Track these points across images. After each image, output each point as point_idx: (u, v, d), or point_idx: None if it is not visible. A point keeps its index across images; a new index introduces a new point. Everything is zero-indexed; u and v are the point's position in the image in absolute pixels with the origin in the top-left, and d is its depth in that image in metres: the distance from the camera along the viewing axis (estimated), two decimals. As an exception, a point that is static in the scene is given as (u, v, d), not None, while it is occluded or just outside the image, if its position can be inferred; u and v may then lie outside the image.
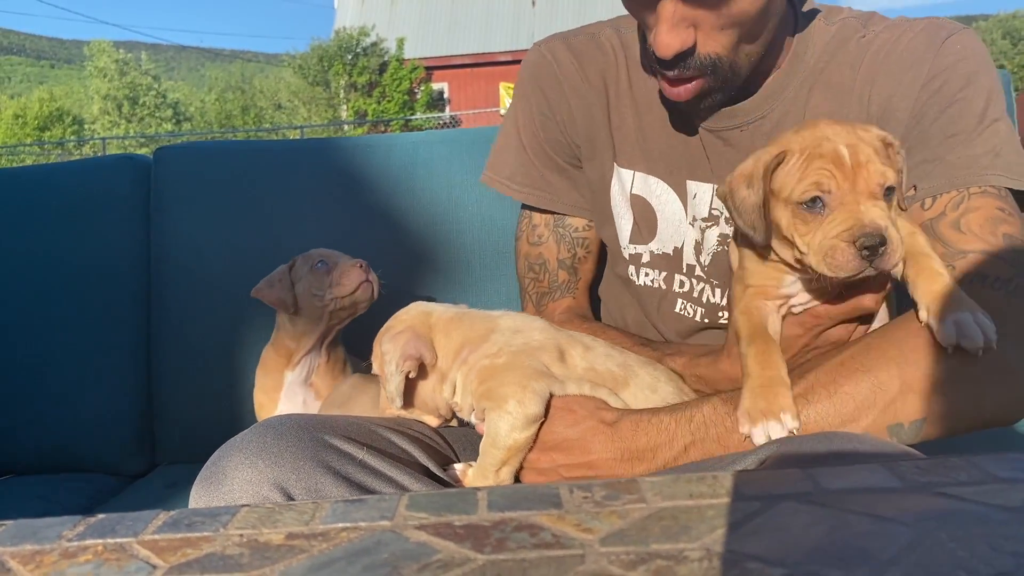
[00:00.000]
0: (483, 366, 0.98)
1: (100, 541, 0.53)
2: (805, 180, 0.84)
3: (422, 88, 27.53)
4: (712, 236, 1.11)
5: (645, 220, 1.16)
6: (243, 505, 0.58)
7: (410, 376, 0.99)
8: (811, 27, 1.09)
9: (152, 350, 1.84)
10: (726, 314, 1.10)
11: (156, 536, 0.53)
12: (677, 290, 1.16)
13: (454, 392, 1.01)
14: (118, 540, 0.53)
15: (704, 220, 1.12)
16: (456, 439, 1.12)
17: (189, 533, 0.53)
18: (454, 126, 24.08)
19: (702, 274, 1.13)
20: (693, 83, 0.98)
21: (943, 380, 0.84)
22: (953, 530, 0.46)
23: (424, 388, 1.02)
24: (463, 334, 1.02)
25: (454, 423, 1.09)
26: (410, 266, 1.73)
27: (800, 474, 0.56)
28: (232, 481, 0.87)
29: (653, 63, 1.00)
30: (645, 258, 1.18)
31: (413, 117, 25.39)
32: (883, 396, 0.85)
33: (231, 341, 1.77)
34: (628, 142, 1.16)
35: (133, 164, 2.04)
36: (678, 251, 1.14)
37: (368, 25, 26.86)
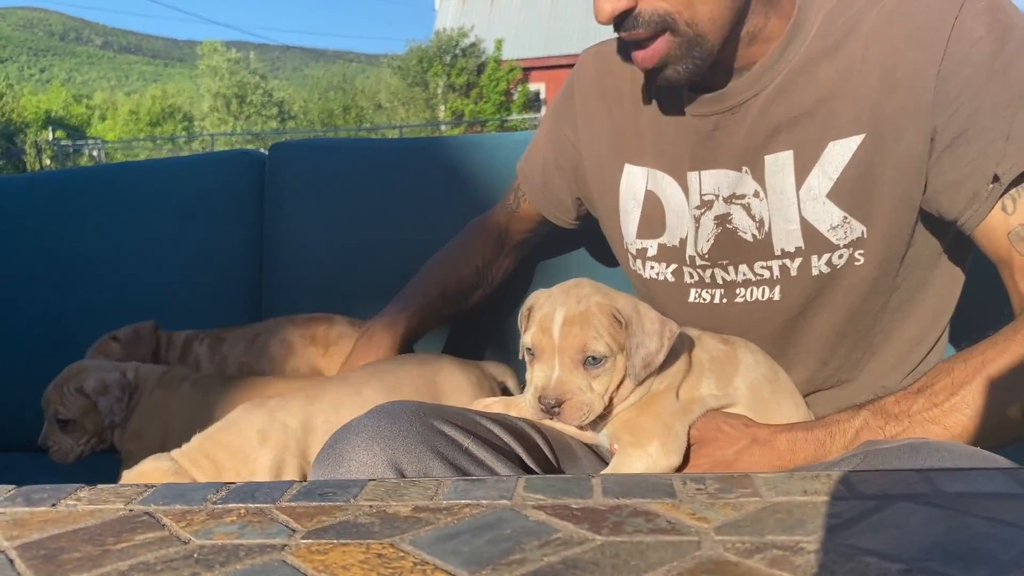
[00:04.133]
0: (640, 397, 0.97)
1: (242, 505, 0.57)
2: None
3: (519, 89, 27.68)
4: (708, 221, 1.10)
5: (655, 214, 1.16)
6: (370, 479, 0.61)
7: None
8: None
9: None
10: (745, 289, 1.10)
11: (292, 504, 0.57)
12: (687, 281, 1.15)
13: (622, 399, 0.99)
14: (258, 505, 0.57)
15: (697, 208, 1.11)
16: (557, 443, 1.13)
17: (323, 502, 0.57)
18: (549, 127, 24.00)
19: (706, 261, 1.12)
20: (656, 44, 0.98)
21: None
22: (1078, 538, 0.46)
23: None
24: None
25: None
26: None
27: (916, 476, 0.56)
28: (350, 462, 0.91)
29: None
30: (651, 252, 1.18)
31: (509, 118, 25.55)
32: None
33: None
34: (636, 140, 1.17)
35: (249, 159, 2.13)
36: (683, 242, 1.14)
37: (467, 26, 27.17)
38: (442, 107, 28.16)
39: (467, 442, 0.97)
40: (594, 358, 0.91)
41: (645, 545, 0.48)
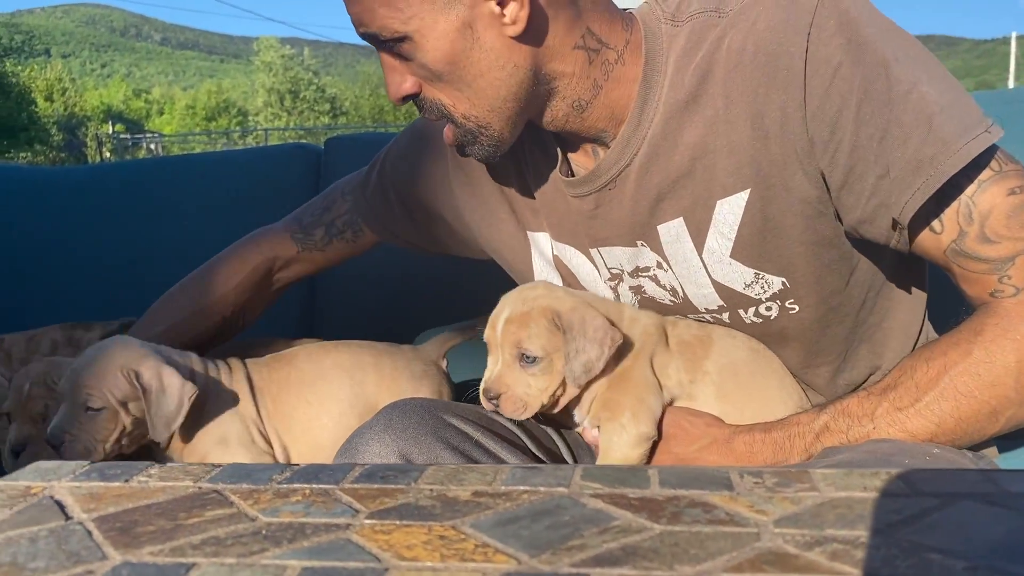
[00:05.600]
0: (614, 373, 0.98)
1: (307, 486, 0.59)
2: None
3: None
4: (624, 291, 1.06)
5: (572, 279, 1.11)
6: (430, 464, 0.62)
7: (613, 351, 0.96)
8: (658, 40, 0.94)
9: (315, 335, 1.95)
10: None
11: (355, 485, 0.59)
12: None
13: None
14: (322, 486, 0.59)
15: (610, 280, 1.06)
16: (571, 438, 1.14)
17: (384, 484, 0.59)
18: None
19: None
20: (447, 129, 0.98)
21: None
22: None
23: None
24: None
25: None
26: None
27: (979, 475, 0.56)
28: (363, 455, 0.95)
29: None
30: None
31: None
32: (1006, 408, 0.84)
33: (391, 328, 1.86)
34: (531, 213, 1.11)
35: (305, 153, 2.17)
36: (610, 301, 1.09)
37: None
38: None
39: (477, 434, 1.00)
40: (527, 357, 0.94)
41: (704, 535, 0.48)
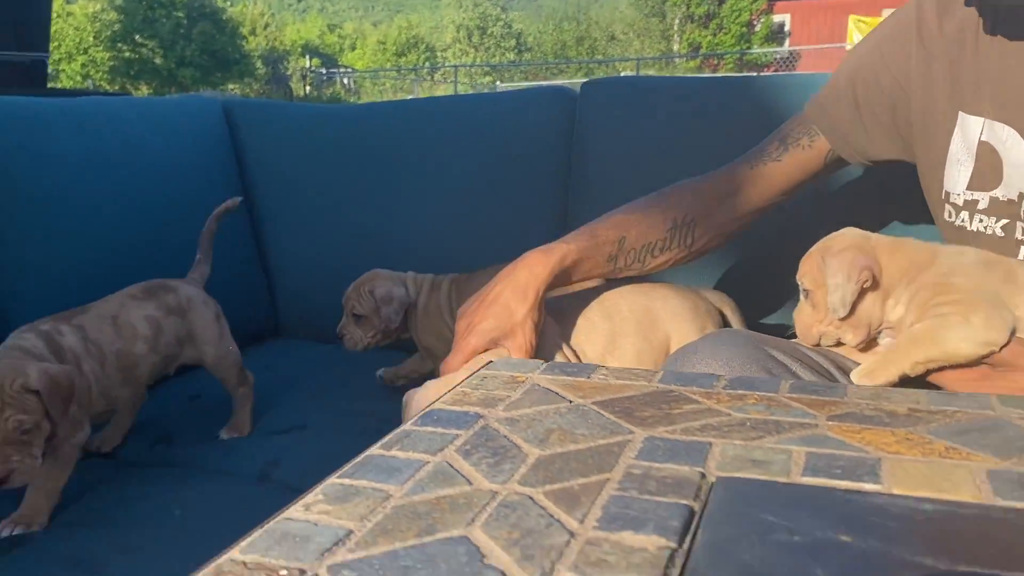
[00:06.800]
0: (937, 282, 1.03)
1: (751, 392, 0.70)
2: None
3: (762, 20, 26.45)
4: None
5: (991, 166, 1.12)
6: (854, 384, 0.72)
7: (865, 286, 1.04)
8: None
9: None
10: None
11: (794, 395, 0.69)
12: (1019, 237, 1.11)
13: (892, 309, 1.07)
14: (766, 393, 0.70)
15: None
16: None
17: (824, 397, 0.69)
18: (792, 62, 22.98)
19: None
20: None
21: None
22: None
23: (863, 303, 1.08)
24: (908, 256, 1.07)
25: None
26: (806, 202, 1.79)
27: None
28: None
29: None
30: (982, 204, 1.15)
31: (749, 51, 24.56)
32: None
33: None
34: (974, 89, 1.13)
35: (562, 95, 2.28)
36: (1022, 196, 1.10)
37: (713, -46, 26.19)
38: (677, 39, 27.50)
39: (795, 366, 1.07)
40: (803, 290, 1.10)
41: None
